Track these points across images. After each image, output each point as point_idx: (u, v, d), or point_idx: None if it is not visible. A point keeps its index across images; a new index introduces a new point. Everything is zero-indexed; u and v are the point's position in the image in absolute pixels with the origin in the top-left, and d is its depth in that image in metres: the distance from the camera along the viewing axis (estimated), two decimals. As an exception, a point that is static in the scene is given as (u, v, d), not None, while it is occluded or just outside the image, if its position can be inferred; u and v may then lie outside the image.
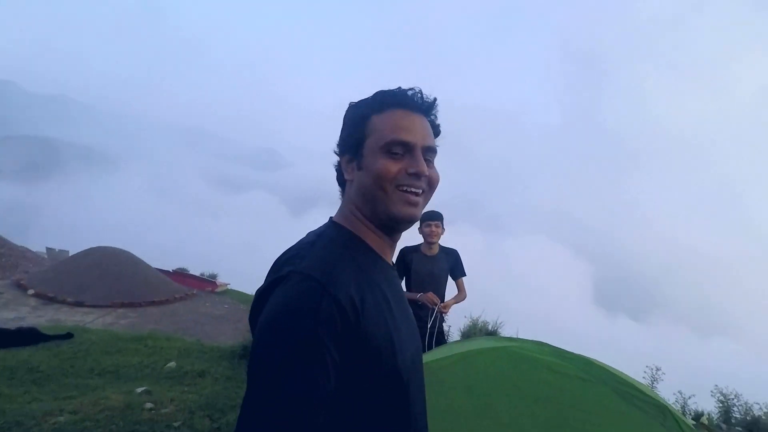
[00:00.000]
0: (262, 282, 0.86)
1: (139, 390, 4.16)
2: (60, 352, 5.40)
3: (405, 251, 3.85)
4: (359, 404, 0.81)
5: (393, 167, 0.90)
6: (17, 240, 15.91)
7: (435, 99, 0.97)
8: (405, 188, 0.90)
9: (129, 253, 13.25)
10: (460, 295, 3.90)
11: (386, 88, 0.96)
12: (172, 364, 5.09)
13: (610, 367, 2.08)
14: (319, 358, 0.74)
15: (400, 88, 0.95)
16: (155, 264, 14.08)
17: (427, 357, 2.23)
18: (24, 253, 14.94)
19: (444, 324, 3.88)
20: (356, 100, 0.99)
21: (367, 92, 0.99)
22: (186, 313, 11.01)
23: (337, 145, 1.00)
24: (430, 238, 3.77)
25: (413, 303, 3.68)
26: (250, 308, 0.86)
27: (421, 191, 0.93)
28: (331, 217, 1.00)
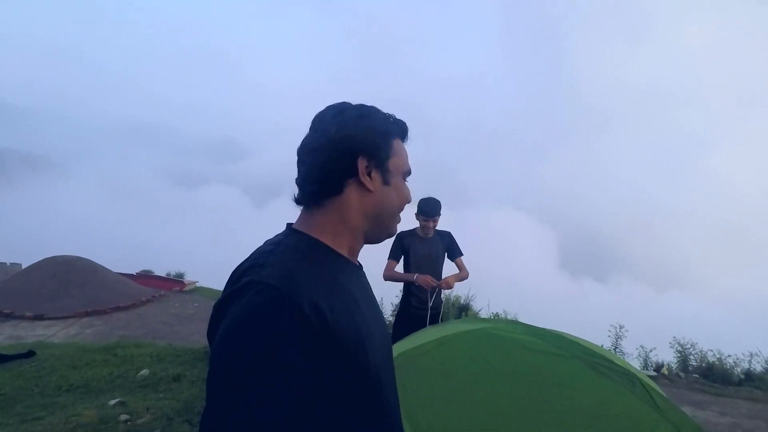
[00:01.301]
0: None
1: (112, 402, 4.03)
2: (23, 372, 5.13)
3: (402, 235, 3.94)
4: (334, 406, 0.80)
5: (410, 195, 1.03)
6: (-37, 256, 14.93)
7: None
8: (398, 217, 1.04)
9: (87, 259, 12.69)
10: (462, 273, 4.00)
11: (392, 115, 1.03)
12: (145, 371, 4.94)
13: (582, 339, 2.17)
14: (281, 371, 0.72)
15: (403, 121, 1.04)
16: (117, 268, 13.56)
17: (405, 345, 2.25)
18: (-29, 270, 14.07)
19: (441, 303, 4.01)
20: (364, 105, 1.00)
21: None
22: (155, 316, 10.70)
23: (354, 143, 0.93)
24: (426, 231, 3.89)
25: (413, 284, 3.83)
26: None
27: None
28: (289, 224, 0.97)
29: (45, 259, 12.43)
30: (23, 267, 13.74)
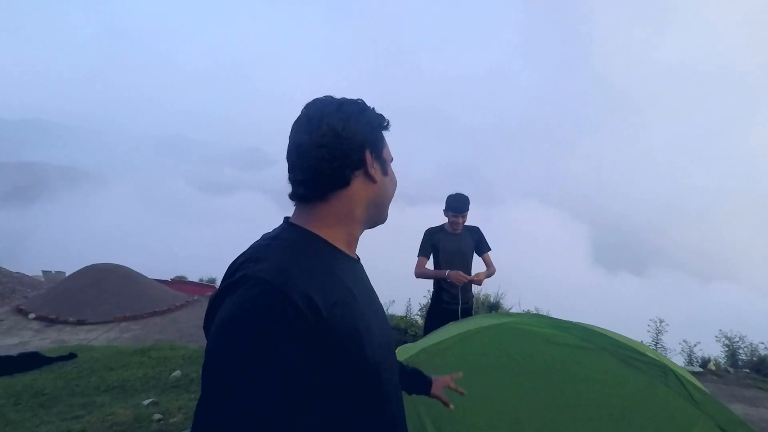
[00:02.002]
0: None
1: (146, 402, 4.15)
2: (64, 373, 5.37)
3: (431, 231, 3.96)
4: (331, 398, 0.80)
5: None
6: (12, 266, 15.76)
7: None
8: None
9: (124, 267, 13.19)
10: (490, 269, 4.00)
11: (377, 110, 1.03)
12: (177, 372, 5.07)
13: (609, 331, 2.07)
14: (274, 362, 0.72)
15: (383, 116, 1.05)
16: (152, 275, 14.03)
17: (426, 341, 2.21)
18: (21, 279, 14.81)
19: (472, 297, 4.02)
20: (353, 99, 1.01)
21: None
22: (188, 320, 11.02)
23: (359, 136, 0.95)
24: (455, 227, 3.89)
25: (443, 280, 3.83)
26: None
27: None
28: (286, 218, 0.98)
29: (86, 267, 13.00)
30: (66, 275, 14.39)
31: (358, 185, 0.95)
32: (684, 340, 8.19)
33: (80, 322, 10.68)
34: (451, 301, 3.86)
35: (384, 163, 1.01)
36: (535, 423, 1.77)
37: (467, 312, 3.91)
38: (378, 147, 0.99)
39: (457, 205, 3.84)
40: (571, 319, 2.27)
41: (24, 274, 15.47)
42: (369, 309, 0.92)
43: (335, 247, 0.94)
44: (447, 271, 3.74)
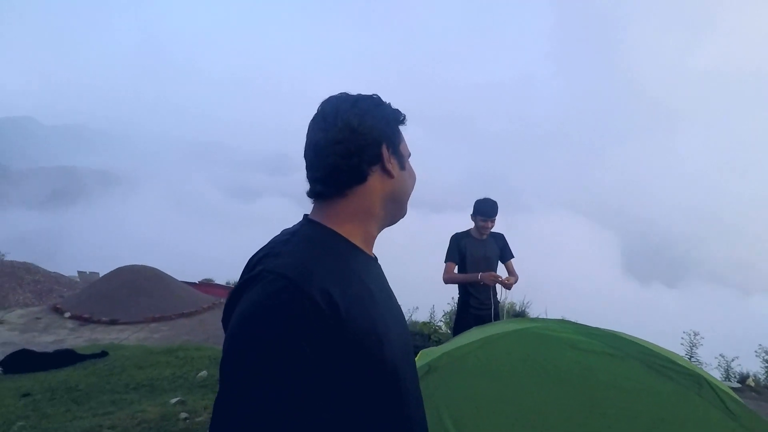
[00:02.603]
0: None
1: (173, 401, 4.25)
2: (97, 370, 5.55)
3: (458, 237, 3.97)
4: (347, 395, 0.79)
5: None
6: (49, 266, 16.46)
7: None
8: None
9: (155, 269, 13.57)
10: (513, 277, 3.98)
11: (393, 105, 1.02)
12: (204, 372, 5.18)
13: (639, 339, 2.00)
14: (292, 358, 0.72)
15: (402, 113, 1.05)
16: (181, 277, 14.39)
17: (448, 345, 2.19)
18: (57, 279, 15.45)
19: (498, 303, 4.00)
20: (369, 95, 1.00)
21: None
22: (215, 322, 11.22)
23: (375, 131, 0.94)
24: (483, 232, 3.89)
25: (472, 285, 3.83)
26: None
27: None
28: (305, 215, 0.98)
29: (118, 268, 13.43)
30: (100, 276, 14.91)
31: (375, 180, 0.94)
32: (721, 355, 7.84)
33: (112, 322, 11.03)
34: (479, 307, 3.84)
35: (401, 157, 1.00)
36: (560, 431, 1.72)
37: (496, 317, 3.90)
38: (394, 142, 0.98)
39: (486, 209, 3.84)
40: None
41: (61, 275, 16.12)
42: (387, 309, 0.91)
43: (353, 244, 0.93)
44: (479, 274, 3.74)
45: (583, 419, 1.74)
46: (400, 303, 1.04)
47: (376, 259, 1.01)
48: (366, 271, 0.91)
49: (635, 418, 1.71)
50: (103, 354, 6.33)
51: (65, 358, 6.08)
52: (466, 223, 4.07)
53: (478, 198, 3.95)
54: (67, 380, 5.14)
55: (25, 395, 4.69)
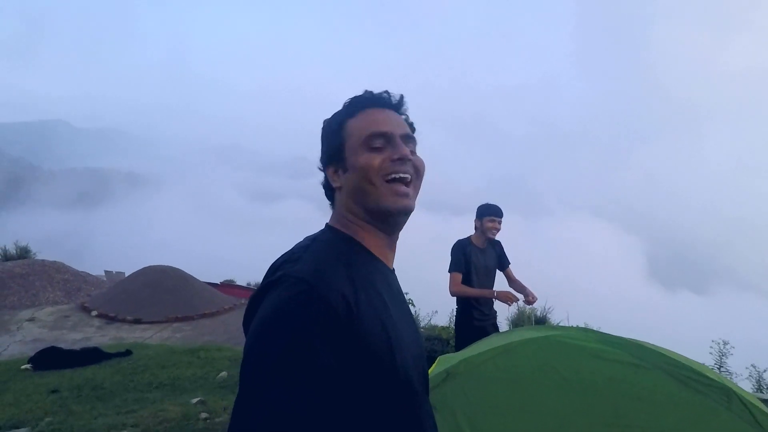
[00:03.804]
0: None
1: (194, 401, 4.32)
2: (121, 369, 5.69)
3: (463, 244, 3.83)
4: (362, 404, 0.80)
5: (376, 159, 0.92)
6: (77, 266, 16.96)
7: (402, 96, 1.02)
8: (393, 177, 0.92)
9: (178, 269, 13.84)
10: (516, 285, 3.92)
11: (354, 95, 1.01)
12: (224, 373, 5.25)
13: (665, 349, 1.94)
14: (310, 361, 0.73)
15: (367, 90, 1.00)
16: (203, 278, 14.64)
17: (467, 352, 2.17)
18: (85, 278, 15.92)
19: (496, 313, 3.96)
20: (329, 116, 1.02)
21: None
22: (236, 323, 11.37)
23: (320, 160, 1.01)
24: (491, 234, 3.79)
25: (477, 300, 3.73)
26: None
27: (408, 178, 0.93)
28: (327, 223, 1.01)
29: (143, 268, 13.76)
30: (126, 275, 15.30)
31: (337, 196, 0.99)
32: (752, 365, 7.54)
33: (137, 321, 11.29)
34: (482, 318, 3.77)
35: (343, 161, 0.96)
36: (581, 442, 1.68)
37: (496, 328, 3.88)
38: (335, 153, 0.97)
39: (496, 209, 3.77)
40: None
41: (88, 273, 16.60)
42: (400, 318, 0.91)
43: (371, 253, 0.95)
44: (496, 291, 3.64)
45: (607, 430, 1.69)
46: (420, 307, 1.04)
47: (393, 270, 1.02)
48: (381, 281, 0.92)
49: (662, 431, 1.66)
50: (128, 353, 6.49)
51: (91, 356, 6.25)
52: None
53: (480, 204, 3.90)
54: (93, 378, 5.28)
55: (53, 391, 4.84)
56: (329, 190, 1.01)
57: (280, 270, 0.84)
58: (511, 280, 3.94)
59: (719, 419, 1.65)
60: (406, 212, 0.94)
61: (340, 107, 1.02)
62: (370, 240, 0.96)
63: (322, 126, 1.03)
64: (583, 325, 8.83)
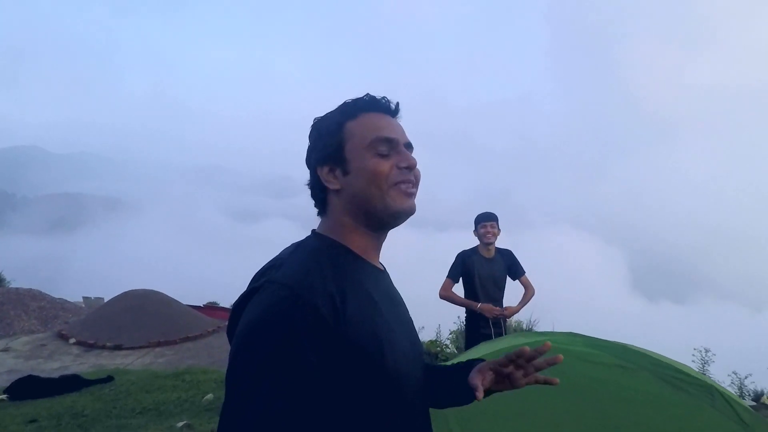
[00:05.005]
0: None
1: (179, 424, 4.21)
2: (102, 395, 5.51)
3: (464, 255, 3.84)
4: (353, 405, 0.80)
5: (385, 165, 0.92)
6: (54, 292, 16.45)
7: (398, 103, 1.01)
8: (400, 184, 0.93)
9: (160, 293, 13.54)
10: (528, 292, 3.90)
11: (354, 98, 1.00)
12: (210, 396, 5.13)
13: (649, 351, 1.99)
14: (295, 366, 0.74)
15: (368, 94, 0.99)
16: (186, 300, 14.34)
17: (458, 359, 2.18)
18: (62, 305, 15.43)
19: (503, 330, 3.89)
20: (321, 115, 1.02)
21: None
22: (220, 345, 11.12)
23: (311, 158, 1.00)
24: (486, 239, 3.77)
25: (473, 312, 3.73)
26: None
27: (414, 183, 0.95)
28: (313, 230, 1.01)
29: (123, 293, 13.42)
30: (105, 300, 14.89)
31: (332, 198, 0.97)
32: (734, 372, 7.70)
33: (117, 347, 10.95)
34: (486, 326, 3.76)
35: (344, 163, 0.94)
36: (573, 445, 1.70)
37: (501, 335, 3.81)
38: (331, 154, 0.95)
39: (486, 214, 3.78)
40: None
41: (66, 300, 16.10)
42: (393, 318, 0.91)
43: (357, 255, 0.95)
44: (479, 304, 3.65)
45: (596, 432, 1.72)
46: (405, 308, 1.04)
47: (383, 270, 1.02)
48: (370, 281, 0.92)
49: (649, 431, 1.69)
50: (109, 379, 6.29)
51: (71, 383, 6.03)
52: (471, 242, 4.03)
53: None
54: (73, 406, 5.09)
55: (32, 421, 4.65)
56: (318, 191, 0.99)
57: (264, 276, 0.84)
58: (525, 288, 3.90)
59: (704, 416, 1.70)
60: (411, 213, 0.95)
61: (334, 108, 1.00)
62: (357, 242, 0.95)
63: (313, 124, 1.01)
64: (569, 335, 8.89)
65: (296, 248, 0.93)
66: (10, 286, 15.59)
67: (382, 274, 1.01)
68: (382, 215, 0.93)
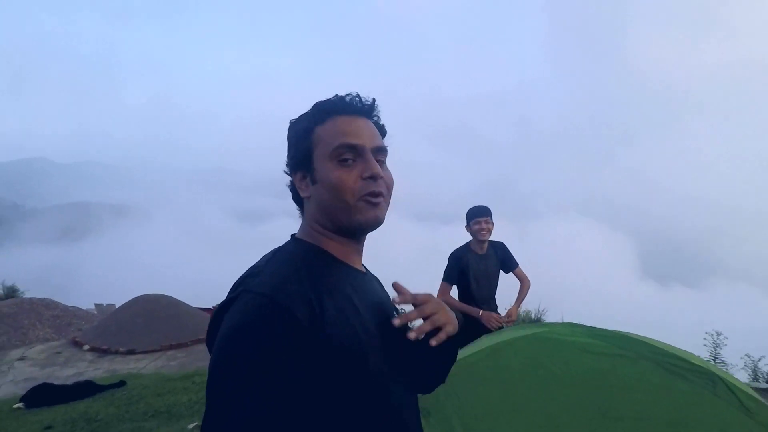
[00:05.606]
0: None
1: (191, 426, 4.27)
2: (115, 400, 5.60)
3: (458, 254, 3.75)
4: (336, 409, 0.80)
5: (348, 177, 0.90)
6: (67, 301, 16.66)
7: (374, 100, 0.98)
8: (367, 197, 0.91)
9: (170, 296, 13.67)
10: (524, 286, 3.84)
11: (324, 99, 0.97)
12: (221, 397, 5.19)
13: (650, 338, 1.99)
14: (274, 375, 0.74)
15: (337, 95, 0.96)
16: (196, 303, 14.46)
17: (458, 354, 2.19)
18: (75, 312, 15.64)
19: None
20: (296, 117, 1.00)
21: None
22: (231, 347, 11.23)
23: (287, 164, 1.00)
24: (481, 236, 3.66)
25: (480, 301, 3.65)
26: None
27: (381, 193, 0.92)
28: (292, 234, 1.01)
29: (134, 298, 13.57)
30: (116, 306, 15.06)
31: (306, 204, 0.98)
32: (747, 355, 7.62)
33: (130, 352, 11.10)
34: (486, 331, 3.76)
35: (313, 171, 0.94)
36: (574, 436, 1.70)
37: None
38: (302, 161, 0.95)
39: (479, 209, 3.66)
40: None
41: (78, 308, 16.31)
42: (375, 319, 0.91)
43: (336, 259, 0.94)
44: (480, 312, 3.58)
45: (597, 424, 1.72)
46: (390, 308, 1.02)
47: (365, 272, 1.02)
48: (349, 283, 0.92)
49: (651, 420, 1.69)
50: (121, 384, 6.38)
51: (84, 389, 6.14)
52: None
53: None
54: (86, 411, 5.18)
55: (47, 428, 4.74)
56: (295, 195, 1.00)
57: (241, 286, 0.84)
58: (521, 281, 3.85)
59: (706, 404, 1.69)
60: (377, 224, 0.94)
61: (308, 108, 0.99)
62: (336, 247, 0.95)
63: (288, 127, 1.00)
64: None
65: (274, 255, 0.93)
66: (24, 296, 15.83)
67: (364, 276, 1.00)
68: (348, 226, 0.93)
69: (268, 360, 0.74)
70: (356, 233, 0.96)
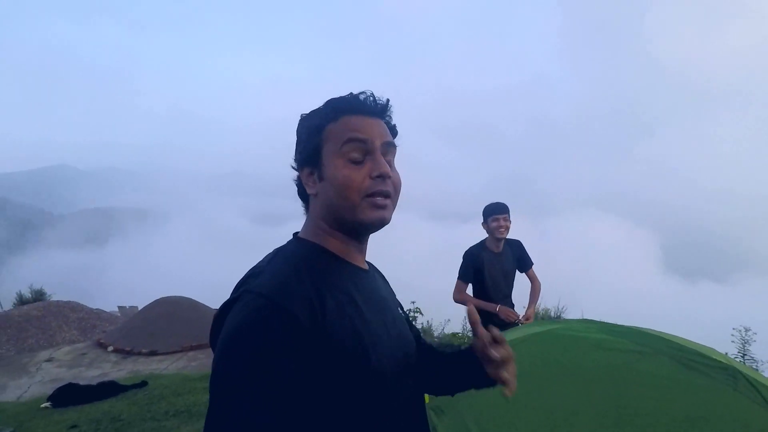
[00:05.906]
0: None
1: (210, 426, 4.32)
2: (137, 400, 5.72)
3: (473, 252, 3.70)
4: (337, 408, 0.80)
5: (356, 175, 0.90)
6: (91, 303, 17.10)
7: (388, 100, 0.97)
8: (374, 196, 0.90)
9: (191, 299, 13.91)
10: (535, 287, 3.79)
11: (337, 96, 0.96)
12: (239, 397, 5.25)
13: (667, 334, 1.93)
14: (274, 376, 0.74)
15: (351, 93, 0.95)
16: (215, 305, 14.64)
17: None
18: (99, 315, 16.04)
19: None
20: (307, 112, 0.99)
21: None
22: (250, 347, 11.36)
23: (294, 159, 1.00)
24: (498, 233, 3.59)
25: (490, 314, 3.58)
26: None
27: (388, 192, 0.91)
28: (294, 233, 1.01)
29: (156, 300, 13.85)
30: (139, 309, 15.40)
31: (312, 201, 0.98)
32: (778, 351, 7.37)
33: (152, 353, 11.34)
34: (502, 325, 3.71)
35: (321, 168, 0.93)
36: (590, 434, 1.67)
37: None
38: (311, 157, 0.95)
39: (496, 205, 3.60)
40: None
41: (102, 310, 16.73)
42: (377, 319, 0.90)
43: (337, 257, 0.94)
44: (498, 307, 3.54)
45: (614, 421, 1.68)
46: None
47: (367, 270, 1.01)
48: (351, 282, 0.91)
49: (669, 416, 1.64)
50: (144, 384, 6.52)
51: (108, 389, 6.30)
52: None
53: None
54: (110, 411, 5.31)
55: (73, 426, 4.89)
56: (301, 191, 1.00)
57: (243, 286, 0.84)
58: (532, 282, 3.80)
59: (727, 400, 1.63)
60: (383, 224, 0.92)
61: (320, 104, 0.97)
62: (338, 245, 0.95)
63: (299, 121, 0.99)
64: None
65: (275, 255, 0.92)
66: (51, 299, 16.31)
67: (366, 274, 0.99)
68: (352, 225, 0.92)
69: (268, 361, 0.74)
70: (360, 232, 0.95)
